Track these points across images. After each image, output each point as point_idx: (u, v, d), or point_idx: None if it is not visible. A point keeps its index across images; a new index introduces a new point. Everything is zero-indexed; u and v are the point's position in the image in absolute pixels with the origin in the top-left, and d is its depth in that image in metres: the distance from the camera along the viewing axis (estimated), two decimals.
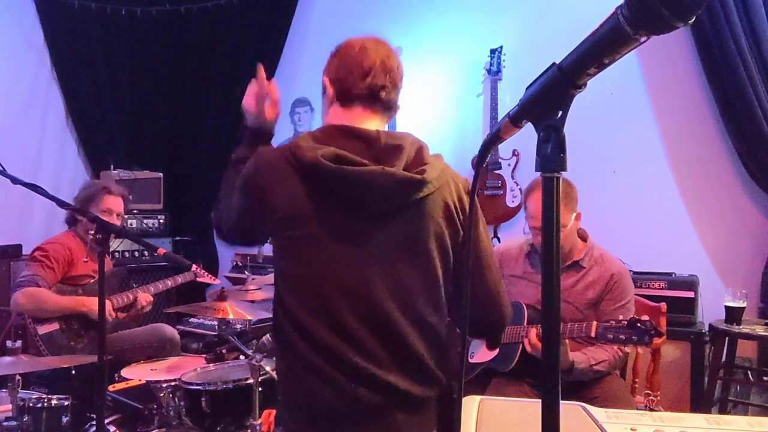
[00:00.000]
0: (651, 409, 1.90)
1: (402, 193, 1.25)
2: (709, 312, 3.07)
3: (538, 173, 0.69)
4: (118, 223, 2.97)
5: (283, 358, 1.34)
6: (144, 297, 2.96)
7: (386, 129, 1.38)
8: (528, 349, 2.10)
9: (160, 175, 4.43)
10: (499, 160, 3.76)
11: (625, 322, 1.93)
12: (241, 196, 1.35)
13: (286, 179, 1.26)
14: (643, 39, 0.58)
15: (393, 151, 1.27)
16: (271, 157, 1.31)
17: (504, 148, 3.76)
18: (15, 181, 1.76)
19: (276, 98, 1.56)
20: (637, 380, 2.47)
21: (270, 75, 4.93)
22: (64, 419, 2.12)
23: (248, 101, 1.54)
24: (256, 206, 1.31)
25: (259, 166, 1.31)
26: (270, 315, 1.39)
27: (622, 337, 1.92)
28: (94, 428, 2.14)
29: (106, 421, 2.22)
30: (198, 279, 3.11)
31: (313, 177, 1.24)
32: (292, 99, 4.68)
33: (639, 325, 1.90)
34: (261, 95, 1.53)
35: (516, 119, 0.75)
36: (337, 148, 1.24)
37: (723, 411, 3.00)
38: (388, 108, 1.38)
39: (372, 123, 1.35)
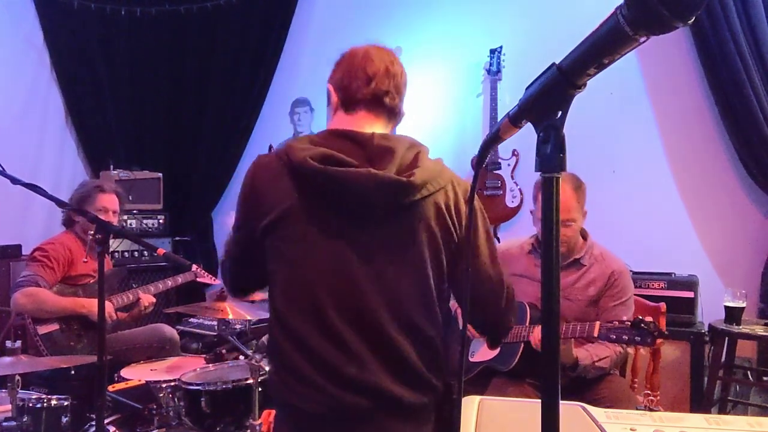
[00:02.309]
0: (651, 409, 1.90)
1: (385, 195, 1.24)
2: (709, 312, 3.07)
3: (539, 173, 0.69)
4: (115, 220, 2.97)
5: (273, 366, 1.35)
6: (146, 298, 2.96)
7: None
8: (534, 346, 2.11)
9: (160, 175, 4.42)
10: (499, 160, 3.76)
11: (629, 323, 1.93)
12: (238, 214, 1.38)
13: (278, 177, 1.28)
14: (642, 39, 0.58)
15: (385, 153, 1.27)
16: (267, 158, 1.36)
17: (504, 148, 3.76)
18: (15, 181, 1.76)
19: None
20: (636, 380, 2.46)
21: (270, 75, 4.92)
22: (64, 419, 2.12)
23: None
24: (251, 213, 1.32)
25: (256, 168, 1.35)
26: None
27: (625, 337, 1.92)
28: (93, 428, 2.13)
29: (106, 421, 2.22)
30: (198, 279, 3.11)
31: (301, 176, 1.26)
32: (292, 99, 4.68)
33: (642, 326, 1.90)
34: None
35: (516, 119, 0.75)
36: (330, 149, 1.25)
37: (723, 411, 3.01)
38: (392, 114, 1.39)
39: (375, 127, 1.35)
